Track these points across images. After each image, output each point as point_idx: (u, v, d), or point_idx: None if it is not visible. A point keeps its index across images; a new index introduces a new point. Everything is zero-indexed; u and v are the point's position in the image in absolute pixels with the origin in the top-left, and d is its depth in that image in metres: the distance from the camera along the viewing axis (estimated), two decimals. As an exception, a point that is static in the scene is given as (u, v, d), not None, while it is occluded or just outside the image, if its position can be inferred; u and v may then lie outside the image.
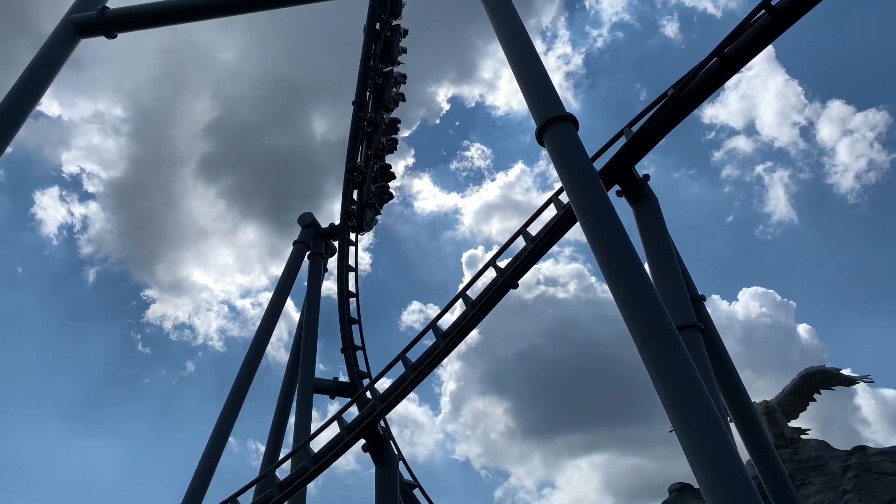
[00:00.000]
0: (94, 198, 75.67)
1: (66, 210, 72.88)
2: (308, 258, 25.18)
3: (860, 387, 18.36)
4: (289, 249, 25.42)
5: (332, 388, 24.19)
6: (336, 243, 26.03)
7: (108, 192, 71.48)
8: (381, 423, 16.16)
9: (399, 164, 26.55)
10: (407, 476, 23.28)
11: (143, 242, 68.88)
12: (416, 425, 65.76)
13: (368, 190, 24.67)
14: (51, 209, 71.76)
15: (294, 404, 23.03)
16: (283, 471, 17.04)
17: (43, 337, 66.62)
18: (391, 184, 25.04)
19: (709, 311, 14.10)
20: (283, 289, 24.42)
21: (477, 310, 14.71)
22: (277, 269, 27.32)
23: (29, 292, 66.98)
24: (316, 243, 25.37)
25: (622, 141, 13.38)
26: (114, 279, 74.27)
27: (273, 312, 23.92)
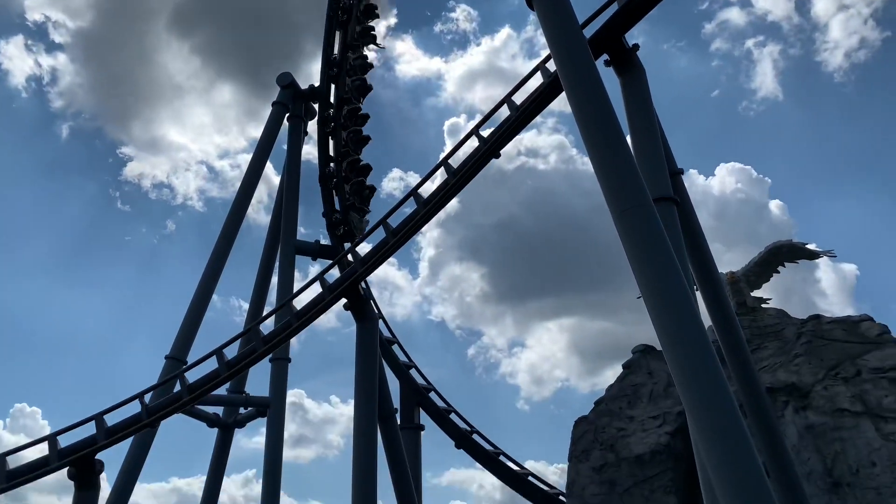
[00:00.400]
0: (61, 49, 72.18)
1: (32, 61, 69.65)
2: (287, 120, 24.73)
3: (822, 261, 19.13)
4: (267, 111, 24.93)
5: (314, 251, 24.61)
6: (316, 105, 25.49)
7: (76, 44, 68.11)
8: (362, 284, 16.68)
9: (381, 24, 25.32)
10: (386, 333, 24.41)
11: (117, 98, 66.60)
12: (395, 287, 67.75)
13: (344, 193, 24.24)
14: (17, 59, 68.51)
15: (276, 264, 23.54)
16: (267, 326, 17.74)
17: (19, 191, 65.92)
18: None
19: (686, 184, 14.33)
20: (262, 151, 24.18)
21: (458, 179, 14.81)
22: (256, 131, 26.92)
23: (1, 146, 65.44)
24: (296, 105, 24.83)
25: (614, 7, 12.95)
26: (88, 135, 72.47)
27: (253, 174, 23.84)
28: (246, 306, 26.34)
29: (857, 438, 12.83)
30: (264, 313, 22.29)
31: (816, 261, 19.14)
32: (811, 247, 18.76)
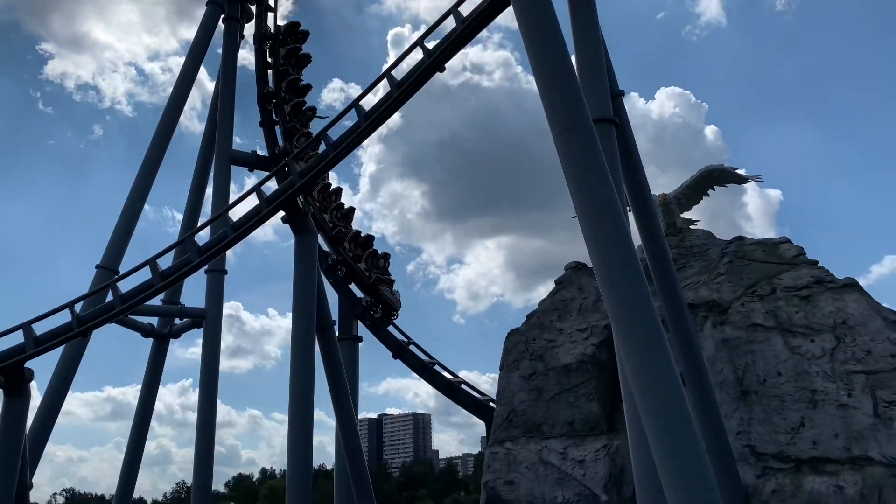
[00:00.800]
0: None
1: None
2: (223, 22, 23.48)
3: (750, 186, 19.89)
4: (201, 11, 23.54)
5: (251, 161, 24.01)
6: (253, 7, 24.23)
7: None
8: (300, 197, 16.47)
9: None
10: (325, 248, 24.33)
11: (32, -12, 61.37)
12: (334, 202, 66.97)
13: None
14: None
15: (211, 175, 22.90)
16: (202, 238, 17.44)
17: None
18: None
19: (626, 106, 14.49)
20: (196, 54, 22.98)
21: (401, 91, 14.54)
22: (189, 32, 25.59)
23: None
24: (231, 6, 23.53)
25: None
26: (4, 28, 67.02)
27: (186, 79, 22.72)
28: (180, 217, 25.73)
29: (767, 351, 13.80)
30: (199, 224, 21.86)
31: (744, 186, 19.86)
32: (741, 172, 19.43)
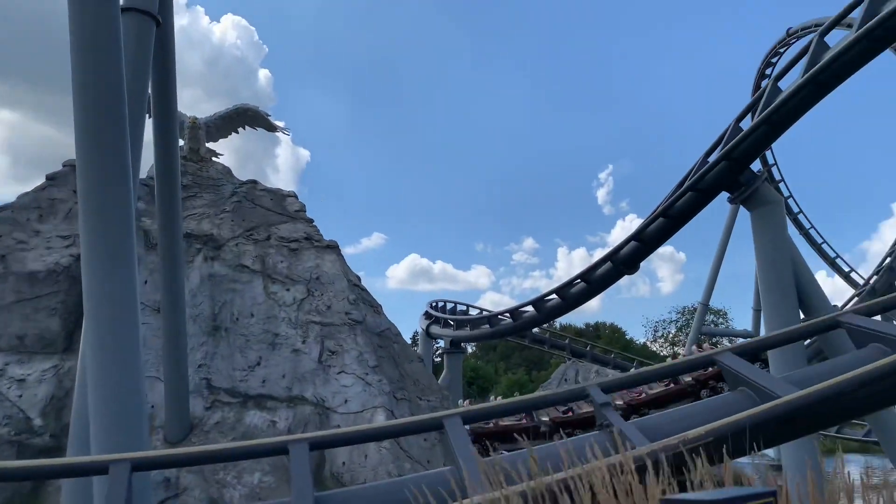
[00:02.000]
0: None
1: None
2: None
3: (285, 141, 20.66)
4: None
5: None
6: None
7: None
8: None
9: None
10: None
11: None
12: None
13: None
14: None
15: None
16: None
17: None
18: None
19: (188, 20, 13.28)
20: None
21: None
22: None
23: None
24: None
25: None
26: None
27: None
28: None
29: (247, 293, 14.40)
30: None
31: (280, 137, 20.53)
32: (275, 122, 20.01)
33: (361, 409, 12.13)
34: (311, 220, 15.98)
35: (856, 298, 27.88)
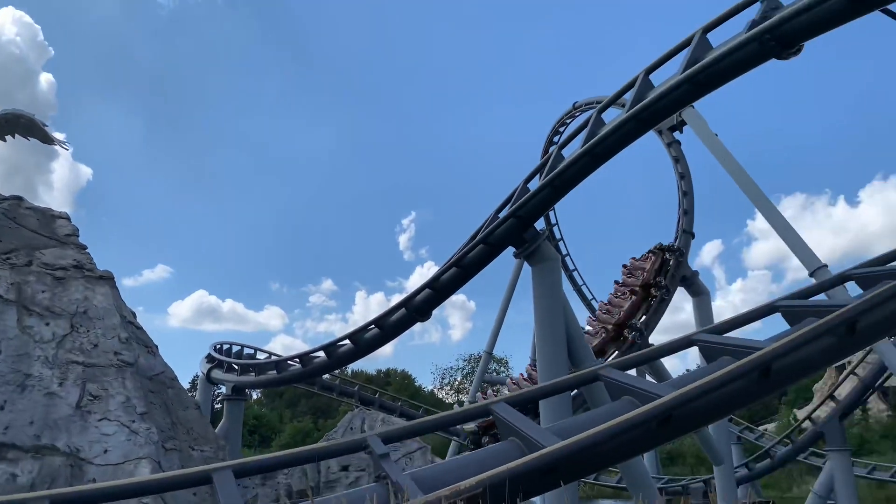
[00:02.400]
0: None
1: None
2: None
3: (65, 157, 18.60)
4: None
5: None
6: None
7: None
8: None
9: None
10: None
11: None
12: None
13: None
14: None
15: None
16: None
17: None
18: None
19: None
20: None
21: None
22: None
23: None
24: None
25: None
26: None
27: None
28: None
29: (-4, 324, 12.51)
30: None
31: (60, 152, 18.44)
32: (54, 134, 18.00)
33: (123, 460, 10.95)
34: (84, 247, 14.41)
35: (616, 353, 30.99)
